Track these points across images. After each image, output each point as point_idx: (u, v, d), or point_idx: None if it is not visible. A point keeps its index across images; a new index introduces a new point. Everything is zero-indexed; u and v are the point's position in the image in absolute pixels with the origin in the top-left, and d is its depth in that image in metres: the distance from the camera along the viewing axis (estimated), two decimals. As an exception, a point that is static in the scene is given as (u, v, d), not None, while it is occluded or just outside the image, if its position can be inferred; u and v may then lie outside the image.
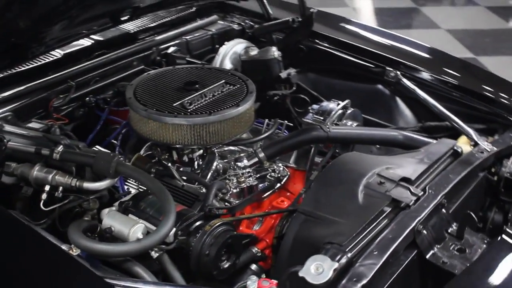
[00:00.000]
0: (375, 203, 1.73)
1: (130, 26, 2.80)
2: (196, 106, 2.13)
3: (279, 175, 2.26)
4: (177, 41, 2.85)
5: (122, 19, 2.35)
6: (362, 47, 2.78)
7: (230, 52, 2.82)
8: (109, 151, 1.89)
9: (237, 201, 2.07)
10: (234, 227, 1.81)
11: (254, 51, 2.78)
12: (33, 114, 2.26)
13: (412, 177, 1.83)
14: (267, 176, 2.26)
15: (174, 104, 2.13)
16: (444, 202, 1.79)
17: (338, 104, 2.40)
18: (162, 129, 2.10)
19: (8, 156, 1.96)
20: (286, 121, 2.51)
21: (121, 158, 1.83)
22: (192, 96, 2.19)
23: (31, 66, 2.33)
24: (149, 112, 2.09)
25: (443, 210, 1.79)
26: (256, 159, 2.20)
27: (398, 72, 2.64)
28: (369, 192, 1.77)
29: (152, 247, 1.64)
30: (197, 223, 1.80)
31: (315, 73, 2.96)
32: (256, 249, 2.01)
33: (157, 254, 1.72)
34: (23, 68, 2.30)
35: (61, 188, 1.84)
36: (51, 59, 2.41)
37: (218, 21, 3.17)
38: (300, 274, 1.47)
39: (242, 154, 2.26)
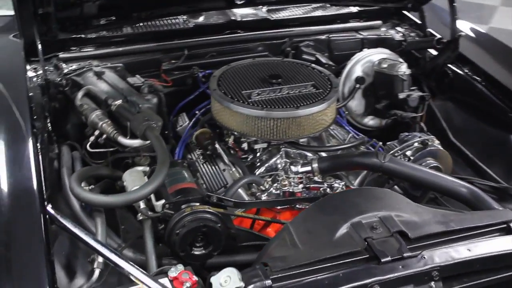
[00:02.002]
0: (347, 245, 1.54)
1: (276, 14, 2.86)
2: (262, 99, 2.13)
3: (335, 192, 2.13)
4: (317, 37, 2.81)
5: (238, 2, 2.42)
6: (503, 84, 2.37)
7: (364, 59, 2.67)
8: (148, 115, 2.00)
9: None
10: (223, 220, 1.79)
11: (386, 64, 2.59)
12: (145, 70, 2.51)
13: (412, 235, 1.57)
14: (320, 190, 2.15)
15: (243, 92, 2.16)
16: (435, 275, 1.50)
17: (420, 137, 2.13)
18: (222, 112, 2.16)
19: (93, 98, 2.26)
20: (380, 143, 2.32)
21: (154, 125, 1.96)
22: (267, 88, 2.19)
23: (158, 29, 2.59)
24: (217, 93, 2.17)
25: (432, 284, 1.50)
26: (309, 168, 2.11)
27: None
28: (351, 232, 1.58)
29: (116, 206, 1.75)
30: (192, 204, 1.83)
31: (453, 103, 2.63)
32: (263, 253, 1.95)
33: (141, 218, 1.81)
34: (152, 30, 2.58)
35: (104, 136, 2.06)
36: (181, 27, 2.63)
37: (382, 28, 3.00)
38: (211, 279, 1.44)
39: (300, 160, 2.19)
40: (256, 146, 2.23)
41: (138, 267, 1.46)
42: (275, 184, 2.11)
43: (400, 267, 1.49)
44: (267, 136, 2.10)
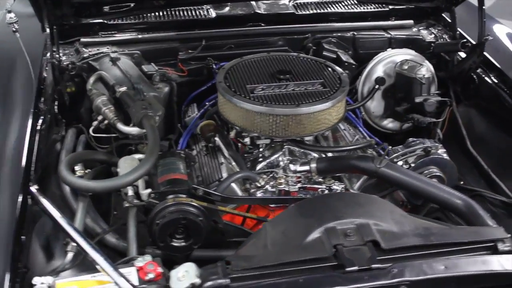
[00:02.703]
0: (315, 250, 1.50)
1: (303, 10, 2.80)
2: (265, 94, 2.10)
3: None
4: (341, 34, 2.73)
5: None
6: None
7: (387, 60, 2.59)
8: (148, 104, 2.02)
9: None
10: (205, 214, 1.78)
11: (406, 65, 2.49)
12: (162, 59, 2.53)
13: (386, 245, 1.51)
14: (318, 191, 2.11)
15: (248, 86, 2.14)
16: (402, 290, 1.44)
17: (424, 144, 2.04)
18: (225, 106, 2.15)
19: (105, 83, 2.30)
20: (390, 147, 2.24)
21: (152, 114, 1.97)
22: (273, 84, 2.16)
23: (180, 19, 2.60)
24: (221, 85, 2.15)
25: (399, 297, 1.45)
26: (307, 168, 2.08)
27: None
28: (323, 237, 1.53)
29: (97, 192, 1.78)
30: (178, 195, 1.83)
31: (476, 110, 2.51)
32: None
33: (127, 205, 1.84)
34: (175, 19, 2.60)
35: (106, 121, 2.09)
36: (203, 17, 2.63)
37: (413, 28, 2.88)
38: (171, 272, 1.44)
39: (300, 159, 2.15)
40: (259, 142, 2.20)
41: (103, 255, 1.47)
42: (271, 182, 2.08)
43: (366, 277, 1.44)
44: (267, 132, 2.08)
